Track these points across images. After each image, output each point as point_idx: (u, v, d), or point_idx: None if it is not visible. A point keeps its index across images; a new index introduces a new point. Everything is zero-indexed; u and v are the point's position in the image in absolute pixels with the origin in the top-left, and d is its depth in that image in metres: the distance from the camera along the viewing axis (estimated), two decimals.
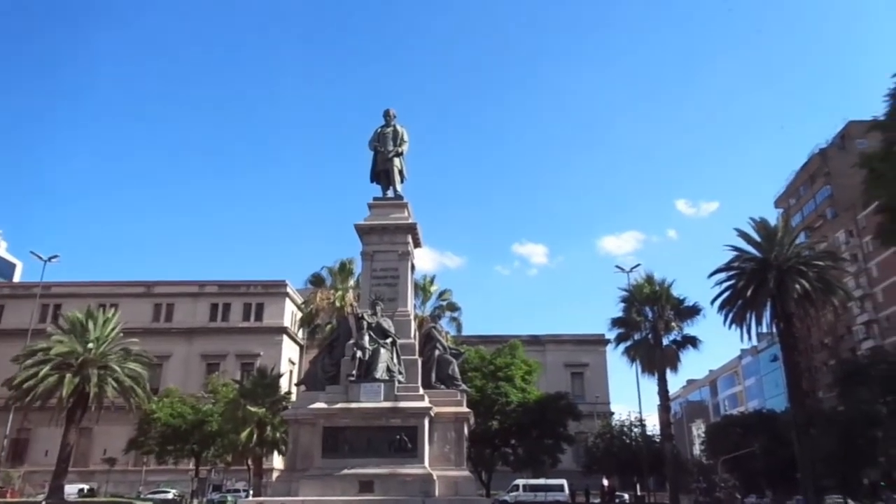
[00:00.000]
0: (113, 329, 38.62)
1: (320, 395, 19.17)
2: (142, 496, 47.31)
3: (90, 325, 37.27)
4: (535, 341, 67.80)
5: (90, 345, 36.02)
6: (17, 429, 57.73)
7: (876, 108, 21.80)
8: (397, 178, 23.16)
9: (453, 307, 40.20)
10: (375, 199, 23.06)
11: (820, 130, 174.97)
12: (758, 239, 36.46)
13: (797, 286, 32.86)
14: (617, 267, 42.23)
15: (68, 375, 34.20)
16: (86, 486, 48.96)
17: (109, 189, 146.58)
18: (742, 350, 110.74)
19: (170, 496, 44.96)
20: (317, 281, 39.00)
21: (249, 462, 40.52)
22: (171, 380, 59.51)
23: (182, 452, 44.77)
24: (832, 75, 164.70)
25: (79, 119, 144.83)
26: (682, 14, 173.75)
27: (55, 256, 43.58)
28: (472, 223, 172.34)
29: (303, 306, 42.07)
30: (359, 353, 19.20)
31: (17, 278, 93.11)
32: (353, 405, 18.45)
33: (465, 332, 44.91)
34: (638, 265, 41.43)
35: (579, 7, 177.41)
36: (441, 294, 41.02)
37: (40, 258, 45.03)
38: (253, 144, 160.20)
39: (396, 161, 23.27)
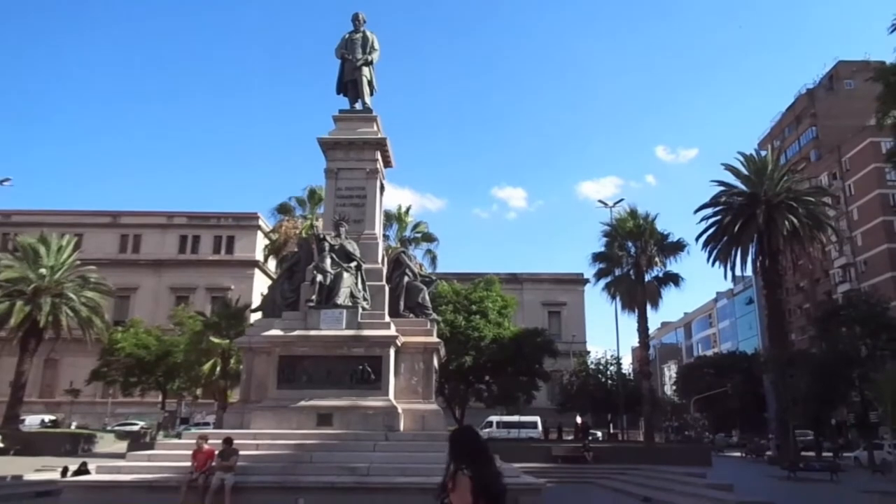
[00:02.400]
0: (69, 257, 36.60)
1: (276, 322, 17.61)
2: (108, 428, 46.19)
3: (43, 251, 35.12)
4: (512, 279, 66.68)
5: (43, 271, 33.97)
6: None
7: (867, 48, 20.01)
8: (366, 89, 21.11)
9: (429, 238, 38.65)
10: (342, 111, 21.02)
11: (804, 76, 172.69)
12: (747, 174, 35.02)
13: (786, 222, 31.59)
14: (600, 202, 40.68)
15: (19, 303, 32.31)
16: (48, 417, 47.61)
17: (72, 113, 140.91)
18: (718, 293, 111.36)
19: (136, 428, 43.82)
20: (284, 209, 37.07)
21: (199, 392, 39.45)
22: (139, 313, 57.67)
23: (148, 384, 43.44)
24: (820, 16, 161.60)
25: (35, 33, 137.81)
26: None
27: (6, 180, 40.88)
28: (452, 166, 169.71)
29: (271, 235, 40.20)
30: (319, 277, 17.58)
31: None
32: (313, 332, 16.93)
33: (441, 270, 43.54)
34: (621, 200, 40.15)
35: None
36: (416, 225, 39.38)
37: None
38: (226, 65, 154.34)
39: (366, 70, 21.17)
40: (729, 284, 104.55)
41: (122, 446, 32.36)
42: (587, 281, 69.53)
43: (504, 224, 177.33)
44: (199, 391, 44.30)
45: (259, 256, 64.96)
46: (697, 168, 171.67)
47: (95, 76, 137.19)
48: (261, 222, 63.30)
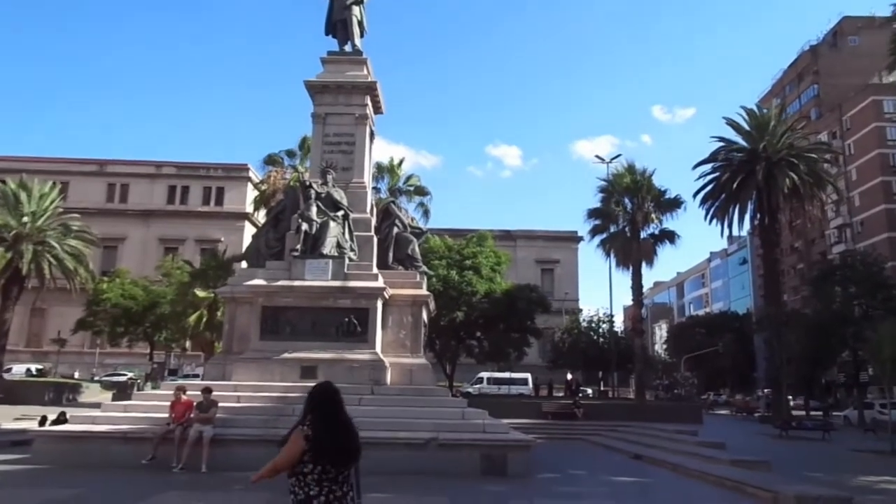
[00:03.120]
0: (51, 203, 35.58)
1: (259, 272, 16.95)
2: (95, 378, 45.85)
3: (24, 197, 34.11)
4: (506, 236, 66.03)
5: (25, 218, 33.04)
6: None
7: (873, 3, 18.93)
8: (356, 30, 20.03)
9: (422, 191, 37.73)
10: (330, 53, 19.99)
11: (807, 32, 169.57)
12: (748, 129, 34.08)
13: (787, 179, 30.82)
14: (597, 157, 39.79)
15: (0, 250, 31.44)
16: (35, 367, 47.22)
17: (58, 59, 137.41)
18: (711, 253, 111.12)
19: (124, 379, 43.47)
20: (273, 161, 35.99)
21: (188, 345, 39.02)
22: (127, 263, 56.75)
23: (135, 335, 42.93)
24: None
25: None
26: None
27: None
28: (447, 123, 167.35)
29: (259, 186, 39.24)
30: (304, 226, 16.85)
31: None
32: (297, 283, 16.29)
33: (434, 225, 42.75)
34: (618, 156, 39.19)
35: None
36: (408, 178, 38.44)
37: None
38: (217, 10, 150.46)
39: (356, 10, 20.07)
40: (723, 244, 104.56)
41: (107, 397, 31.99)
42: (581, 239, 68.95)
43: (498, 182, 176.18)
44: (188, 343, 43.87)
45: (249, 208, 64.01)
46: (694, 127, 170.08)
47: (81, 21, 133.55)
48: (251, 174, 62.18)
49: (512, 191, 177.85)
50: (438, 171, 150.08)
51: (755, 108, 36.79)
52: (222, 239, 59.30)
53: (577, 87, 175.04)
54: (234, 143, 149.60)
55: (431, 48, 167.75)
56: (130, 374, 46.68)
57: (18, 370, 44.45)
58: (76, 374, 49.93)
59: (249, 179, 63.42)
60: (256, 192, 51.49)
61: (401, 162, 39.25)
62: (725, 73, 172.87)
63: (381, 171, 37.05)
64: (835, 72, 75.51)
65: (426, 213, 38.69)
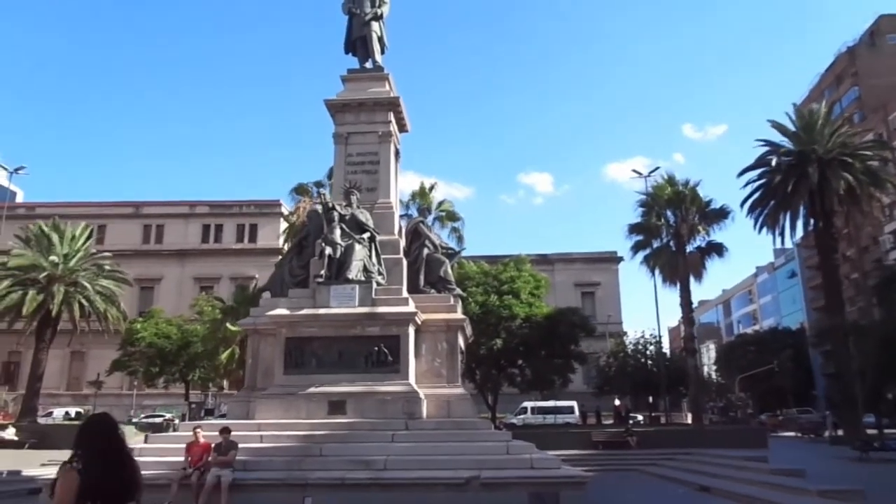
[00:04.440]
0: (83, 244, 35.40)
1: (282, 301, 15.85)
2: (133, 420, 45.30)
3: (56, 239, 33.97)
4: (543, 260, 64.22)
5: (53, 258, 32.82)
6: (7, 352, 55.90)
7: None
8: (376, 46, 19.16)
9: (454, 217, 36.62)
10: (350, 70, 19.12)
11: (839, 38, 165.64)
12: (795, 130, 32.16)
13: (842, 180, 28.79)
14: (633, 171, 38.18)
15: (31, 292, 31.20)
16: (74, 410, 47.00)
17: (94, 105, 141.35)
18: (758, 268, 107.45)
19: (160, 420, 42.86)
20: (302, 191, 35.38)
21: (226, 384, 38.18)
22: (163, 303, 56.89)
23: (171, 375, 42.42)
24: None
25: (54, 25, 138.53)
26: None
27: (21, 168, 40.02)
28: (478, 153, 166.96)
29: (289, 218, 38.63)
30: (328, 250, 15.76)
31: None
32: (322, 311, 15.14)
33: (468, 253, 41.56)
34: (657, 168, 37.40)
35: None
36: (440, 204, 37.41)
37: (5, 169, 41.39)
38: (245, 54, 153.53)
39: (375, 26, 19.23)
40: (769, 257, 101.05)
41: (141, 439, 31.11)
42: (621, 259, 67.08)
43: (531, 209, 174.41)
44: (225, 381, 43.18)
45: (282, 244, 63.77)
46: (727, 144, 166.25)
47: (116, 68, 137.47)
48: (283, 209, 61.96)
49: (546, 217, 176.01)
50: (471, 201, 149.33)
51: (800, 110, 34.98)
52: (257, 276, 58.94)
53: (605, 110, 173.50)
54: (267, 178, 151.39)
55: (459, 79, 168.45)
56: (167, 416, 46.09)
57: (58, 414, 44.25)
58: None
59: (282, 214, 63.20)
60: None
61: (432, 187, 38.35)
62: (756, 86, 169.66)
63: (412, 197, 36.16)
64: (875, 72, 72.86)
65: (460, 239, 37.56)
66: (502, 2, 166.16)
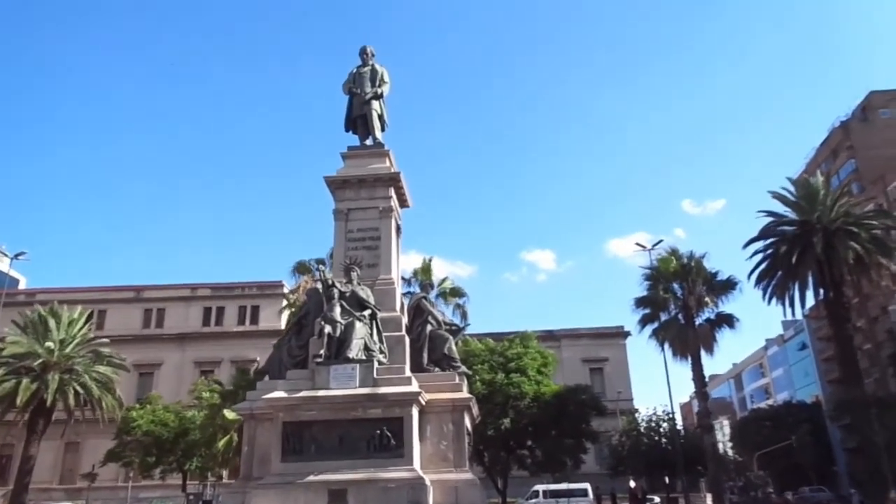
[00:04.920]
0: (80, 329, 34.80)
1: (279, 384, 15.17)
2: None
3: (53, 324, 33.40)
4: (549, 336, 63.17)
5: (51, 345, 32.15)
6: None
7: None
8: (376, 123, 19.25)
9: (458, 293, 36.13)
10: (350, 147, 19.13)
11: (830, 114, 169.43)
12: (795, 200, 32.12)
13: (849, 249, 28.44)
14: (637, 244, 37.99)
15: (25, 380, 30.38)
16: None
17: (100, 193, 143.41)
18: (767, 340, 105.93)
19: None
20: (303, 269, 35.01)
21: (225, 474, 36.52)
22: (162, 389, 55.64)
23: (168, 465, 40.81)
24: (844, 51, 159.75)
25: (58, 118, 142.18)
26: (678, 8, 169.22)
27: (22, 253, 39.92)
28: (480, 232, 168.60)
29: (289, 297, 38.13)
30: (328, 329, 15.20)
31: None
32: (321, 393, 14.44)
33: (473, 330, 40.86)
34: (660, 241, 37.16)
35: (583, 15, 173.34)
36: (443, 281, 37.01)
37: (5, 255, 41.29)
38: (243, 143, 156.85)
39: (375, 104, 19.39)
40: (778, 329, 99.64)
41: None
42: (628, 334, 66.05)
43: (535, 287, 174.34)
44: (224, 471, 41.51)
45: (284, 325, 62.97)
46: (727, 218, 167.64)
47: (115, 152, 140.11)
48: (285, 289, 61.65)
49: (550, 294, 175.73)
50: (475, 279, 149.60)
51: (800, 180, 35.08)
52: (258, 358, 57.89)
53: (605, 187, 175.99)
54: (269, 257, 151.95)
55: (458, 158, 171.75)
56: None
57: None
58: None
59: (284, 296, 62.77)
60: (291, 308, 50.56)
61: (430, 260, 37.92)
62: (752, 161, 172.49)
63: (415, 274, 35.79)
64: (870, 144, 74.01)
65: (464, 316, 36.93)
66: (502, 81, 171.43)
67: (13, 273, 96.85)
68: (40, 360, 31.49)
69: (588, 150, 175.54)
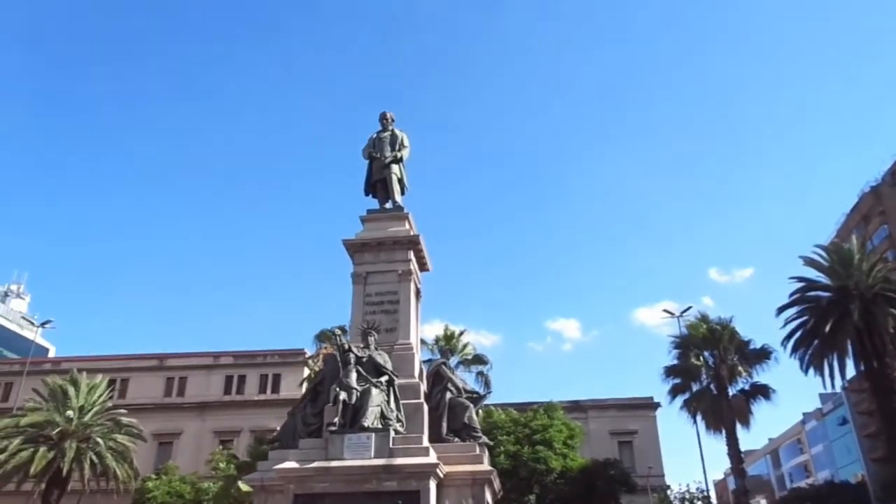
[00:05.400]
0: (100, 397, 34.47)
1: (291, 454, 14.53)
2: None
3: (73, 392, 33.15)
4: (575, 407, 61.14)
5: (70, 414, 31.80)
6: None
7: None
8: (396, 187, 19.17)
9: (481, 360, 35.38)
10: (370, 211, 19.03)
11: (858, 179, 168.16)
12: (828, 265, 31.16)
13: (889, 317, 27.29)
14: (665, 311, 36.98)
15: (42, 449, 29.90)
16: None
17: (127, 264, 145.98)
18: (804, 414, 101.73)
19: None
20: (325, 337, 34.67)
21: None
22: (181, 459, 54.62)
23: None
24: (872, 116, 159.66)
25: (78, 187, 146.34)
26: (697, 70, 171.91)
27: (48, 322, 40.21)
28: (504, 301, 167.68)
29: (310, 362, 37.61)
30: (343, 395, 14.63)
31: None
32: (334, 464, 13.75)
33: (496, 400, 39.81)
34: (689, 308, 36.18)
35: (610, 86, 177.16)
36: (465, 347, 36.29)
37: (32, 323, 41.65)
38: (267, 211, 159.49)
39: (395, 168, 19.37)
40: (816, 402, 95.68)
41: None
42: (658, 405, 63.66)
43: (560, 356, 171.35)
44: None
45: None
46: (755, 287, 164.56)
47: (142, 220, 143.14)
48: (307, 357, 61.18)
49: (575, 364, 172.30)
50: (499, 349, 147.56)
51: (833, 245, 34.17)
52: (277, 428, 56.79)
53: (630, 256, 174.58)
54: (292, 326, 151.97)
55: (484, 230, 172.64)
56: None
57: None
58: None
59: (306, 364, 62.20)
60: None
61: (461, 333, 37.38)
62: (779, 229, 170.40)
63: (436, 341, 35.20)
64: None
65: (487, 384, 36.16)
66: (528, 149, 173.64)
67: (43, 342, 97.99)
68: (58, 429, 31.11)
69: (612, 218, 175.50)
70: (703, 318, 33.35)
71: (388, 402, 15.03)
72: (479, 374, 35.58)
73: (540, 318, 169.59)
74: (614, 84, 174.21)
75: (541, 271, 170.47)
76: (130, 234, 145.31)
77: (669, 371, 33.96)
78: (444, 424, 15.89)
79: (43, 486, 31.14)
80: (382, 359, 15.65)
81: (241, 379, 62.66)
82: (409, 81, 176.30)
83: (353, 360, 15.33)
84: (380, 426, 14.32)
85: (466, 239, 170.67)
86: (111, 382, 59.23)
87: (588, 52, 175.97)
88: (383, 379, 15.25)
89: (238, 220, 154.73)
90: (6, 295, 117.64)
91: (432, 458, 13.97)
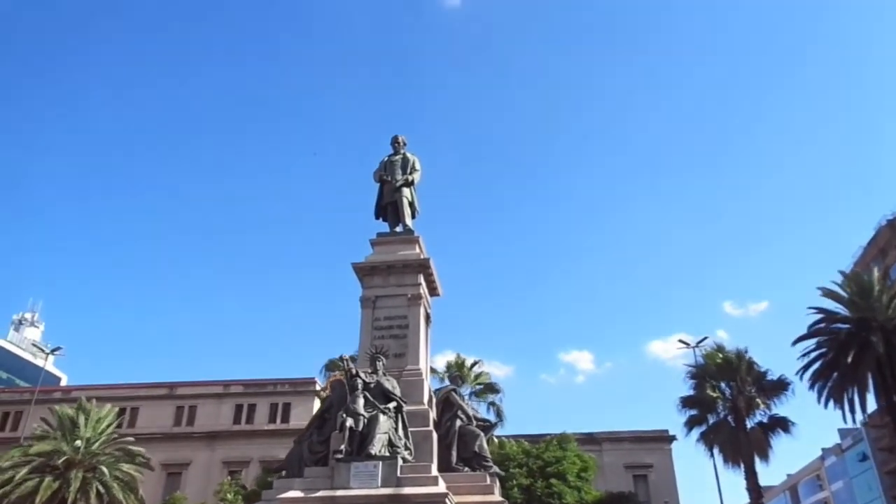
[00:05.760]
0: (108, 426, 34.15)
1: (296, 483, 14.14)
2: None
3: (82, 421, 32.88)
4: (589, 440, 59.94)
5: (78, 443, 31.49)
6: None
7: None
8: (407, 210, 19.01)
9: (493, 389, 34.84)
10: (380, 234, 18.86)
11: (873, 213, 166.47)
12: (847, 296, 30.53)
13: None
14: (680, 341, 36.29)
15: (47, 479, 29.56)
16: None
17: (140, 293, 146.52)
18: (823, 450, 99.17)
19: None
20: (334, 366, 34.33)
21: None
22: (190, 489, 53.97)
23: None
24: (884, 154, 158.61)
25: (83, 215, 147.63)
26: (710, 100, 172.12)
27: (58, 349, 40.14)
28: (517, 333, 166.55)
29: (321, 394, 37.18)
30: (349, 422, 14.27)
31: None
32: (340, 493, 13.34)
33: (508, 432, 39.16)
34: (705, 338, 35.51)
35: (620, 114, 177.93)
36: (478, 376, 35.76)
37: (42, 350, 41.60)
38: (277, 237, 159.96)
39: (406, 191, 19.23)
40: (835, 437, 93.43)
41: None
42: (674, 438, 62.42)
43: (573, 388, 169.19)
44: None
45: None
46: (770, 320, 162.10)
47: (151, 248, 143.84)
48: (317, 386, 60.69)
49: (588, 396, 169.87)
50: (511, 380, 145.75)
51: (851, 276, 33.47)
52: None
53: (644, 288, 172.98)
54: (302, 354, 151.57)
55: (495, 260, 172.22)
56: None
57: None
58: None
59: (316, 393, 61.71)
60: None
61: (474, 364, 36.91)
62: (794, 264, 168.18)
63: (447, 368, 34.74)
64: None
65: (499, 414, 35.50)
66: (538, 180, 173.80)
67: (55, 371, 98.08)
68: (64, 458, 30.78)
69: (626, 250, 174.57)
70: (720, 348, 32.70)
71: (396, 429, 14.66)
72: (492, 404, 35.02)
73: (553, 349, 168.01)
74: (628, 120, 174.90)
75: (554, 303, 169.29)
76: (143, 262, 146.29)
77: (685, 402, 33.20)
78: (454, 453, 15.46)
79: None
80: (391, 384, 15.33)
81: (251, 408, 62.08)
82: (422, 94, 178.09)
83: (360, 386, 15.01)
84: (387, 454, 13.93)
85: (479, 271, 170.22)
86: (121, 411, 59.20)
87: (592, 89, 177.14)
88: (391, 405, 14.91)
89: (249, 248, 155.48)
90: (20, 323, 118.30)
91: (441, 487, 13.54)
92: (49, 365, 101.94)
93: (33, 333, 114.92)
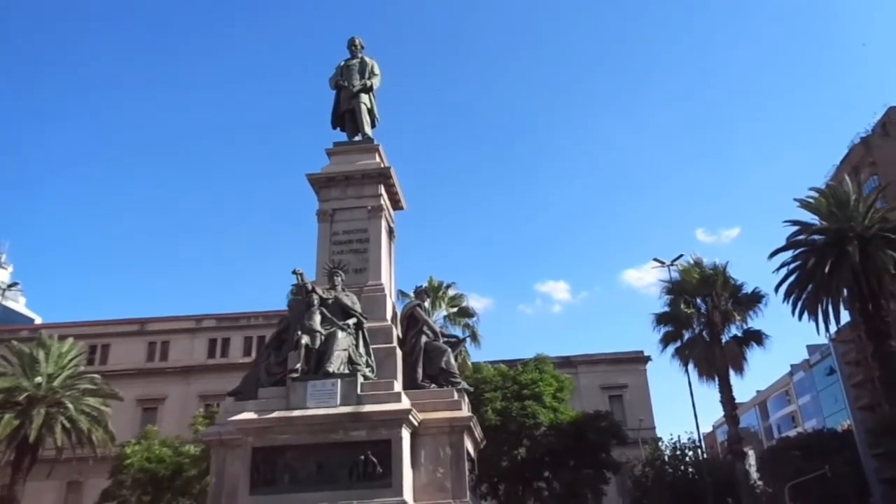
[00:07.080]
0: (71, 361, 33.09)
1: (249, 404, 13.24)
2: None
3: (42, 357, 31.75)
4: (565, 363, 60.46)
5: (39, 379, 30.46)
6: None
7: None
8: (365, 118, 17.62)
9: (467, 312, 34.15)
10: (336, 143, 17.50)
11: (845, 134, 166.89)
12: (825, 208, 29.97)
13: (890, 258, 26.20)
14: (655, 259, 35.75)
15: (7, 416, 28.64)
16: None
17: (109, 229, 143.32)
18: (792, 366, 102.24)
19: None
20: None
21: None
22: (166, 424, 53.54)
23: None
24: (856, 76, 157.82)
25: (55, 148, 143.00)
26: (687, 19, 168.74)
27: (14, 284, 38.61)
28: (494, 265, 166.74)
29: None
30: (305, 339, 13.32)
31: None
32: (296, 413, 12.48)
33: (486, 358, 38.84)
34: (681, 255, 35.00)
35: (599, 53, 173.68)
36: (452, 299, 35.06)
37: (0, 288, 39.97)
38: (248, 168, 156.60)
39: (364, 98, 17.78)
40: (803, 354, 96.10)
41: None
42: (648, 359, 63.35)
43: (550, 318, 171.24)
44: None
45: None
46: (742, 246, 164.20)
47: (118, 177, 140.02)
48: None
49: (565, 325, 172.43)
50: (490, 312, 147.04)
51: (828, 188, 32.97)
52: None
53: (618, 218, 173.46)
54: (276, 286, 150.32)
55: (472, 193, 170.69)
56: None
57: None
58: None
59: None
60: None
61: (450, 284, 36.04)
62: (766, 189, 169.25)
63: (424, 292, 33.92)
64: (893, 160, 71.63)
65: (475, 338, 34.93)
66: (517, 114, 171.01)
67: (28, 312, 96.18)
68: (26, 395, 29.80)
69: (600, 180, 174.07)
70: (697, 263, 32.26)
71: (357, 346, 13.76)
72: (466, 326, 34.38)
73: (530, 281, 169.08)
74: (605, 48, 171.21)
75: (530, 235, 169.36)
76: (111, 198, 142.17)
77: (660, 318, 32.91)
78: (420, 370, 14.64)
79: (13, 454, 29.93)
80: (350, 300, 14.33)
81: (225, 342, 61.48)
82: (401, 26, 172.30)
83: (316, 302, 14.01)
84: (347, 371, 13.05)
85: (455, 200, 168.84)
86: (92, 349, 58.21)
87: (579, 12, 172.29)
88: (351, 322, 13.95)
89: (216, 178, 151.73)
90: None
91: (405, 404, 12.74)
92: (21, 307, 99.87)
93: (1, 275, 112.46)
